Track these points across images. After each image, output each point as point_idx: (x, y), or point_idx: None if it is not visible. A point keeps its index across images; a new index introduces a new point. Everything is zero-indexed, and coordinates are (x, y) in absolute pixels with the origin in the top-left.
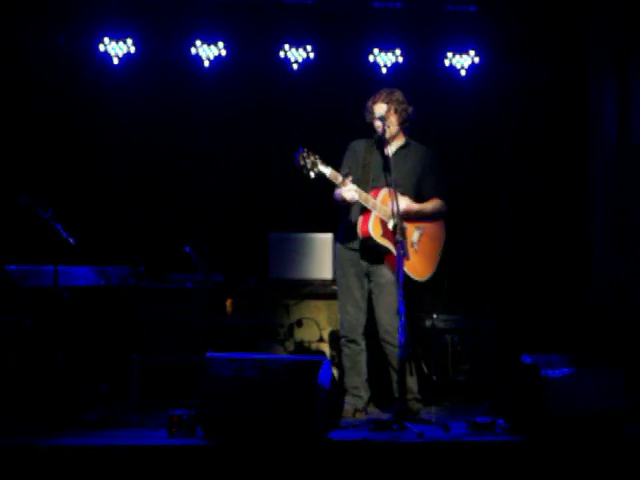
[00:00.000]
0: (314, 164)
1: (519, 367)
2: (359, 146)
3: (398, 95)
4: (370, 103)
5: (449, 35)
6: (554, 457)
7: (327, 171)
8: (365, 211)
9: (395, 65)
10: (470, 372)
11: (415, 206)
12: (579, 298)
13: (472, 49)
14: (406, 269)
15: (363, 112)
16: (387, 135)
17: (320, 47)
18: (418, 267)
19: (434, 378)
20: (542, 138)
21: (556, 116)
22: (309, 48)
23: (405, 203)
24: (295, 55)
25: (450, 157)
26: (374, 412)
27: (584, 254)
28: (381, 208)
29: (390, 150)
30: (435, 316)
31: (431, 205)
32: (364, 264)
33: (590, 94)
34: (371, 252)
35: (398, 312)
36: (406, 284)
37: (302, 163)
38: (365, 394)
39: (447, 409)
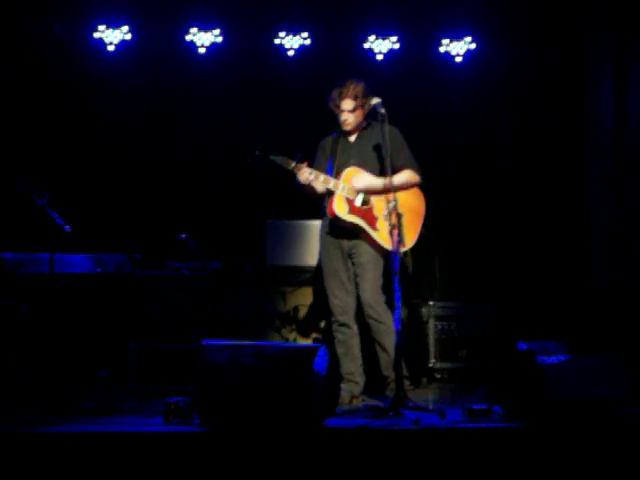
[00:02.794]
0: (264, 155)
1: (515, 354)
2: (326, 142)
3: (364, 88)
4: (336, 95)
5: (445, 21)
6: (551, 443)
7: (277, 159)
8: (330, 194)
9: (391, 52)
10: (467, 359)
11: (379, 180)
12: (577, 284)
13: (468, 35)
14: (381, 241)
15: (327, 100)
16: (350, 128)
17: (316, 34)
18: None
19: (431, 364)
20: (539, 124)
21: (553, 102)
22: (305, 35)
23: (366, 179)
24: (291, 42)
25: (447, 143)
26: (371, 398)
27: (582, 240)
28: (344, 186)
29: (354, 136)
30: (431, 303)
31: (399, 176)
32: (344, 244)
33: (587, 79)
34: (345, 231)
35: (393, 298)
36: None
37: (252, 157)
38: (361, 380)
39: (443, 396)
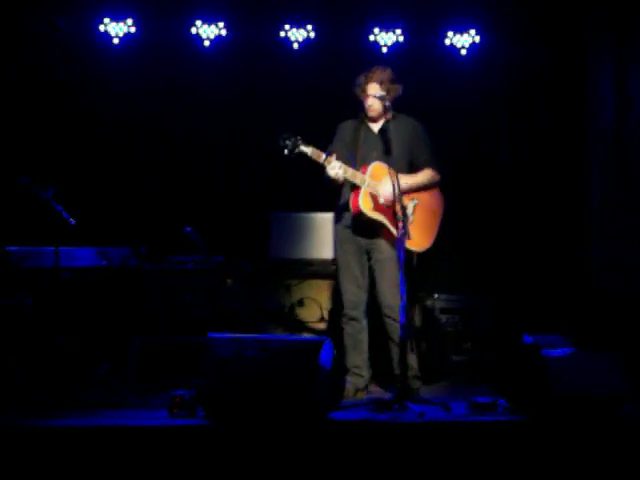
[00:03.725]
0: (295, 145)
1: (520, 347)
2: (346, 126)
3: (390, 74)
4: (362, 80)
5: (450, 14)
6: (555, 437)
7: (308, 150)
8: (355, 188)
9: (396, 45)
10: (471, 352)
11: (405, 179)
12: (578, 280)
13: (473, 28)
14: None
15: (353, 86)
16: (376, 114)
17: (321, 27)
18: (414, 238)
19: (435, 357)
20: (541, 118)
21: (553, 98)
22: (309, 28)
23: (388, 188)
24: (295, 35)
25: (450, 136)
26: (376, 391)
27: (582, 235)
28: (370, 182)
29: (378, 126)
30: (436, 296)
31: (422, 175)
32: (362, 241)
33: (588, 74)
34: (366, 227)
35: (399, 292)
36: (408, 258)
37: (283, 144)
38: (366, 373)
39: (448, 389)
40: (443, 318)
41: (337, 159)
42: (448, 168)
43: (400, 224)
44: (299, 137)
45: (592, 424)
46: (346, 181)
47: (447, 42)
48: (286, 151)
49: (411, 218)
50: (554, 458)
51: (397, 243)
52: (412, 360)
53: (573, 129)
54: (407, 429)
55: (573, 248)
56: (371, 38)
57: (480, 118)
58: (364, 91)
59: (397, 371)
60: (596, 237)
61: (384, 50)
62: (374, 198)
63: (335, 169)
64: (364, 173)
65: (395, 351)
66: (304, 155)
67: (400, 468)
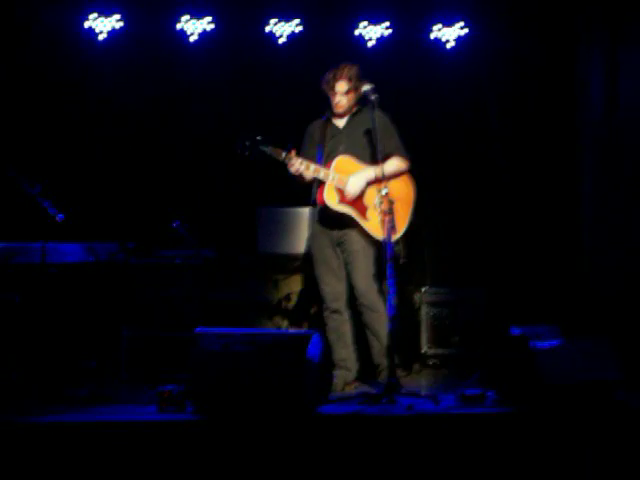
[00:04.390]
0: (254, 146)
1: (508, 339)
2: (313, 127)
3: (358, 71)
4: (330, 77)
5: (437, 6)
6: (544, 428)
7: (267, 149)
8: (322, 183)
9: (382, 38)
10: (460, 344)
11: (371, 172)
12: (569, 269)
13: (460, 20)
14: (373, 231)
15: (321, 83)
16: (343, 110)
17: (307, 21)
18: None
19: (424, 350)
20: (530, 110)
21: (544, 88)
22: (296, 22)
23: (360, 179)
24: (282, 29)
25: (438, 130)
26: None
27: (574, 225)
28: (335, 175)
29: (343, 122)
30: (424, 289)
31: (389, 164)
32: (333, 233)
33: (577, 65)
34: (335, 220)
35: (387, 284)
36: (405, 250)
37: (242, 147)
38: (353, 366)
39: (437, 382)
40: (432, 311)
41: (306, 158)
42: (438, 160)
43: (387, 218)
44: (258, 138)
45: (584, 412)
46: (314, 178)
47: (434, 35)
48: (247, 152)
49: (379, 207)
50: (544, 449)
51: (385, 237)
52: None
53: (564, 122)
54: (396, 422)
55: (564, 239)
56: (357, 32)
57: (469, 112)
58: (332, 88)
59: (376, 361)
60: (588, 223)
61: (371, 44)
62: (340, 192)
63: (295, 165)
64: (328, 167)
65: (373, 340)
66: (265, 154)
67: (389, 461)
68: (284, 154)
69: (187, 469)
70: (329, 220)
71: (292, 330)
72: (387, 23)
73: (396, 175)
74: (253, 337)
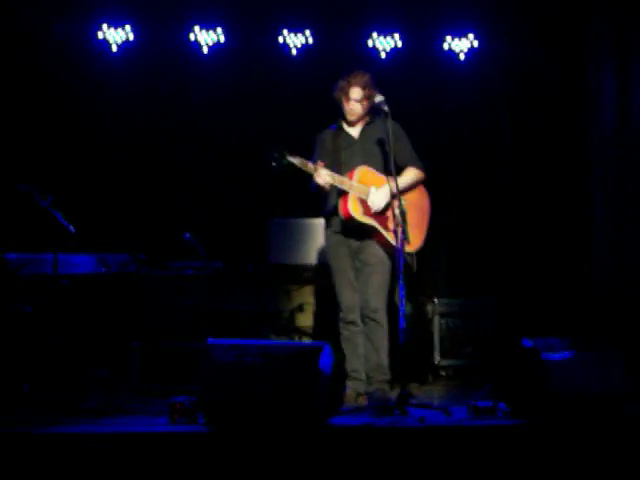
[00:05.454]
0: (282, 156)
1: (520, 351)
2: (325, 135)
3: (371, 79)
4: (344, 84)
5: (448, 19)
6: (555, 440)
7: (296, 160)
8: (343, 194)
9: (394, 50)
10: (471, 356)
11: (392, 185)
12: (579, 281)
13: (471, 32)
14: (394, 241)
15: (333, 91)
16: (356, 118)
17: (319, 32)
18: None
19: (435, 362)
20: (541, 121)
21: (555, 99)
22: (308, 33)
23: (384, 194)
24: (294, 40)
25: (449, 141)
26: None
27: (584, 236)
28: (358, 187)
29: (356, 131)
30: (436, 300)
31: (407, 175)
32: (353, 244)
33: (589, 76)
34: (356, 231)
35: (399, 297)
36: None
37: (269, 158)
38: (366, 377)
39: (448, 393)
40: (443, 322)
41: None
42: (448, 170)
43: (400, 229)
44: (285, 149)
45: (594, 425)
46: (332, 187)
47: (445, 47)
48: (274, 163)
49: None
50: (554, 462)
51: (397, 249)
52: (386, 364)
53: (575, 131)
54: (408, 434)
55: (574, 250)
56: (370, 43)
57: (480, 122)
58: (346, 94)
59: (370, 374)
60: (598, 235)
61: (383, 55)
62: (363, 203)
63: (323, 177)
64: (351, 178)
65: (372, 354)
66: (292, 166)
67: (401, 473)
68: (311, 165)
69: None
70: (349, 231)
71: (304, 341)
72: (398, 35)
73: (413, 186)
74: (265, 348)
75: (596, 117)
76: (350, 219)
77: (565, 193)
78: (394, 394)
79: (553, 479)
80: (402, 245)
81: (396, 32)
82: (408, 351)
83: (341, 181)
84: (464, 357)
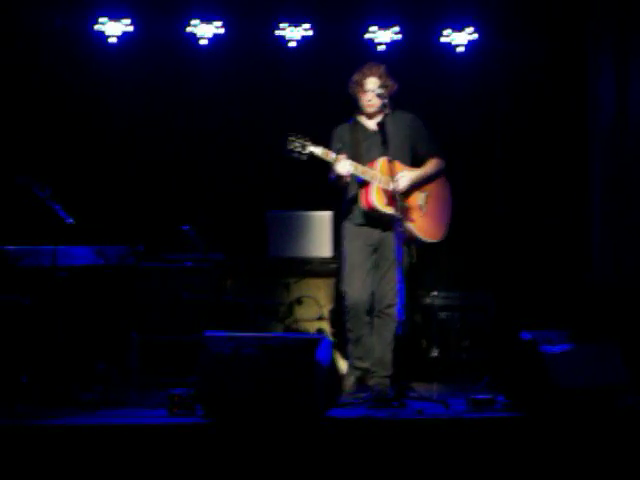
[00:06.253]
0: (304, 146)
1: (518, 343)
2: (342, 129)
3: (385, 69)
4: (359, 77)
5: (447, 11)
6: (554, 433)
7: (318, 150)
8: (365, 184)
9: (393, 43)
10: (470, 349)
11: (415, 175)
12: (578, 274)
13: (470, 25)
14: (418, 233)
15: (349, 85)
16: (374, 109)
17: (317, 25)
18: (429, 229)
19: (434, 355)
20: (540, 115)
21: (554, 93)
22: (306, 26)
23: (406, 179)
24: (292, 33)
25: (448, 135)
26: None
27: (583, 230)
28: (381, 177)
29: (374, 123)
30: (434, 293)
31: (430, 166)
32: (375, 235)
33: (588, 70)
34: (377, 223)
35: (397, 288)
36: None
37: (291, 147)
38: (368, 364)
39: (447, 386)
40: (442, 315)
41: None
42: (448, 163)
43: (400, 222)
44: (307, 138)
45: (592, 418)
46: (352, 178)
47: (444, 39)
48: (295, 154)
49: (424, 209)
50: (553, 454)
51: (396, 241)
52: (389, 360)
53: (574, 125)
54: (406, 426)
55: (574, 243)
56: (367, 36)
57: (479, 115)
58: (362, 86)
59: (373, 367)
60: (597, 228)
61: (381, 48)
62: (386, 193)
63: (346, 166)
64: (372, 168)
65: (380, 347)
66: (312, 155)
67: (399, 465)
68: (334, 155)
69: (197, 472)
70: (371, 222)
71: (302, 334)
72: (397, 28)
73: (435, 177)
74: (263, 340)
75: (595, 111)
76: (372, 210)
77: (564, 187)
78: (393, 387)
79: (551, 471)
80: (401, 236)
81: (394, 25)
82: (407, 343)
83: (364, 171)
84: (463, 350)
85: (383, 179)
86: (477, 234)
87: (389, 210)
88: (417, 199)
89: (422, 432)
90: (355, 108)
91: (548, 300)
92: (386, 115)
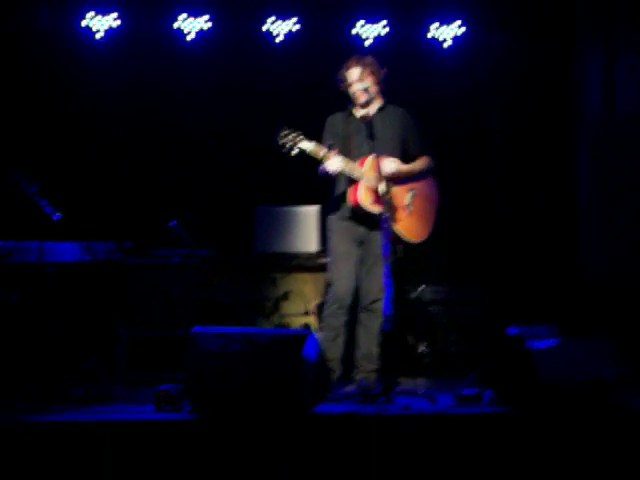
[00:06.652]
0: (295, 142)
1: (505, 338)
2: (336, 119)
3: (369, 58)
4: (343, 71)
5: (435, 5)
6: (541, 428)
7: (310, 146)
8: (353, 181)
9: (380, 38)
10: (457, 343)
11: (404, 167)
12: (565, 269)
13: (458, 19)
14: (403, 232)
15: (337, 83)
16: (365, 98)
17: (305, 19)
18: (414, 229)
19: (422, 349)
20: (528, 109)
21: (542, 87)
22: (293, 20)
23: (394, 165)
24: (279, 28)
25: (436, 130)
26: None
27: (571, 223)
28: (369, 176)
29: (369, 112)
30: (422, 287)
31: (419, 164)
32: (361, 231)
33: (575, 64)
34: (363, 220)
35: (383, 283)
36: (395, 250)
37: (283, 142)
38: (339, 368)
39: (434, 381)
40: (429, 310)
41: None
42: (436, 159)
43: (384, 216)
44: (299, 133)
45: (581, 413)
46: (341, 173)
47: (431, 34)
48: (285, 149)
49: (410, 208)
50: (541, 449)
51: (383, 236)
52: (376, 354)
53: (562, 119)
54: (393, 421)
55: (560, 237)
56: (355, 31)
57: (467, 110)
58: (345, 80)
59: (359, 363)
60: (585, 222)
61: (368, 42)
62: (374, 191)
63: (335, 164)
64: (362, 166)
65: (366, 342)
66: (304, 152)
67: (386, 460)
68: (324, 151)
69: (184, 468)
70: (357, 219)
71: (288, 329)
72: (384, 22)
73: (424, 175)
74: (250, 336)
75: (581, 104)
76: (359, 207)
77: (553, 182)
78: (380, 382)
79: (539, 466)
80: (388, 232)
81: (382, 19)
82: (394, 338)
83: (352, 169)
84: (450, 344)
85: (371, 178)
86: (465, 229)
87: (375, 209)
88: (403, 198)
89: (409, 427)
90: (349, 101)
91: (536, 295)
92: (380, 108)
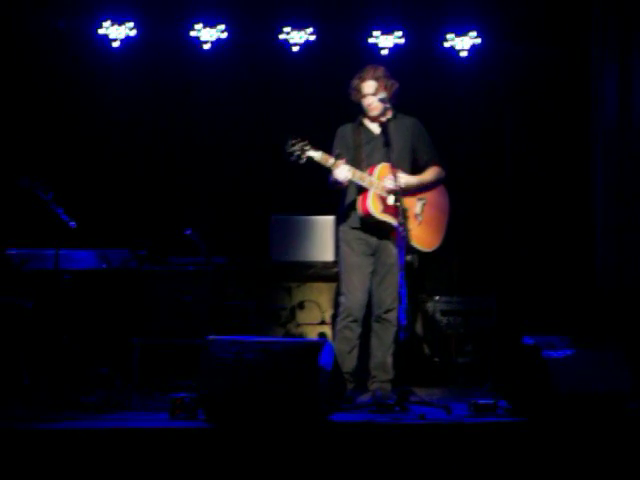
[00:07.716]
0: (303, 150)
1: (520, 348)
2: (346, 130)
3: (384, 71)
4: (357, 81)
5: (450, 15)
6: (556, 438)
7: (317, 155)
8: (363, 190)
9: (396, 47)
10: (472, 354)
11: (414, 179)
12: (582, 279)
13: (473, 30)
14: (413, 241)
15: (349, 91)
16: (378, 111)
17: (321, 29)
18: (425, 238)
19: (436, 360)
20: (544, 119)
21: (558, 97)
22: (310, 30)
23: (405, 178)
24: (296, 37)
25: (453, 139)
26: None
27: (587, 233)
28: (378, 184)
29: (378, 127)
30: (437, 298)
31: (429, 174)
32: (372, 241)
33: (591, 74)
34: (374, 229)
35: (400, 293)
36: (412, 260)
37: (290, 151)
38: (352, 380)
39: (449, 391)
40: (444, 320)
41: (336, 159)
42: (451, 168)
43: (401, 226)
44: (307, 142)
45: (596, 423)
46: (351, 182)
47: (447, 44)
48: (294, 157)
49: (420, 218)
50: (555, 460)
51: (398, 245)
52: (390, 363)
53: (577, 128)
54: (408, 430)
55: (577, 247)
56: (371, 40)
57: (483, 119)
58: (360, 91)
59: (373, 372)
60: (601, 232)
61: (384, 52)
62: (383, 200)
63: (344, 172)
64: (371, 174)
65: (380, 352)
66: (312, 160)
67: (401, 470)
68: (332, 160)
69: (198, 477)
70: (368, 229)
71: (305, 338)
72: (400, 32)
73: (435, 185)
74: (265, 345)
75: (598, 115)
76: (368, 216)
77: (569, 191)
78: (394, 392)
79: (553, 477)
80: (403, 242)
81: (398, 29)
82: (409, 348)
83: (362, 177)
84: (465, 355)
85: (380, 186)
86: (480, 238)
87: (385, 217)
88: (414, 207)
89: (424, 437)
90: (360, 110)
91: (551, 305)
92: (389, 120)
